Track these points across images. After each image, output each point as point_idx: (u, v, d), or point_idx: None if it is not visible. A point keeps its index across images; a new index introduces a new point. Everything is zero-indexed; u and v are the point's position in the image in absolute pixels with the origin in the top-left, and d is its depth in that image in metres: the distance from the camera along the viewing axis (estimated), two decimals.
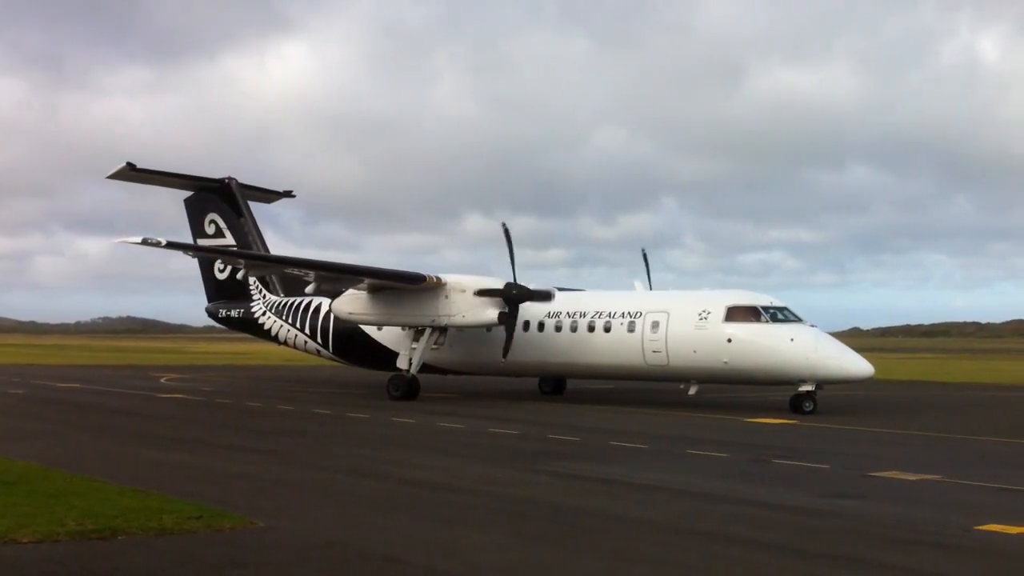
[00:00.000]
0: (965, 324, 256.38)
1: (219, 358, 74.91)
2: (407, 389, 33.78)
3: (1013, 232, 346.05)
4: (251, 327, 42.82)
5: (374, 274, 34.19)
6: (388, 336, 37.49)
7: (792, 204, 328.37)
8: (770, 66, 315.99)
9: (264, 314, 41.73)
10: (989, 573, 10.46)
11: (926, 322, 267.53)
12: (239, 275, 37.80)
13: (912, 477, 17.50)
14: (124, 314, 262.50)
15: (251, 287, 41.77)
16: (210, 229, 42.77)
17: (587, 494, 15.18)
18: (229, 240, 42.36)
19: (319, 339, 39.96)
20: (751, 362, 31.35)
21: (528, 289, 33.64)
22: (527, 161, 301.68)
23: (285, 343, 41.59)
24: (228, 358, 75.00)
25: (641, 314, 33.38)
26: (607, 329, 33.94)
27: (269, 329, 41.66)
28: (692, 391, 33.16)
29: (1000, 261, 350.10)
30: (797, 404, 30.87)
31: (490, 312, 33.08)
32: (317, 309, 39.83)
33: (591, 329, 34.17)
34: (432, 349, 34.84)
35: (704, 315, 32.00)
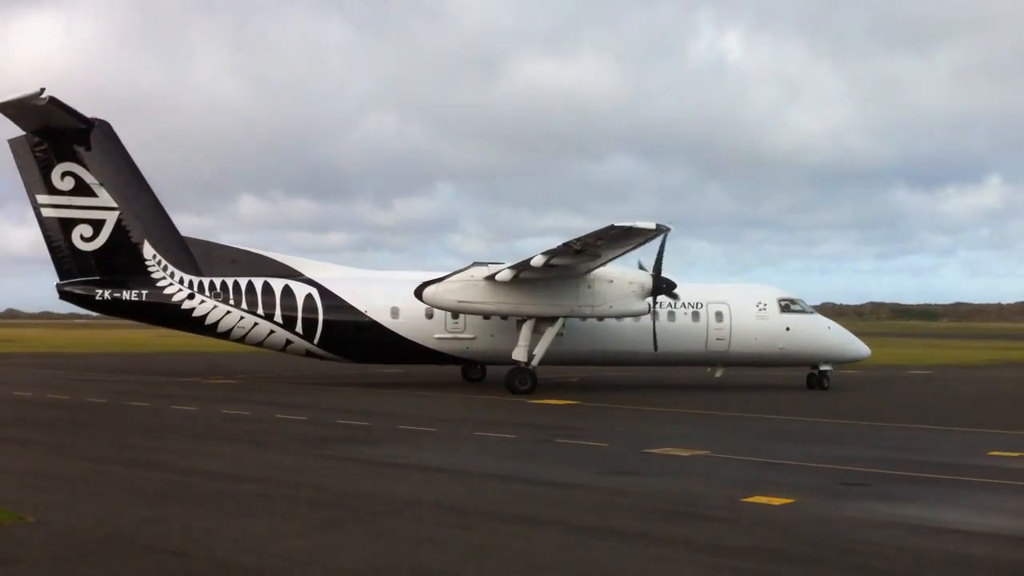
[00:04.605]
0: None
1: None
2: (534, 381, 32.09)
3: (765, 221, 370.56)
4: (162, 313, 34.25)
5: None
6: (408, 326, 34.28)
7: (561, 192, 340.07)
8: (528, 57, 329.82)
9: (191, 297, 33.93)
10: (755, 542, 11.17)
11: None
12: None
13: (685, 453, 18.45)
14: None
15: (150, 262, 33.86)
16: (64, 184, 33.05)
17: (376, 478, 15.22)
18: (104, 200, 33.33)
19: (298, 329, 34.00)
20: (803, 347, 36.15)
21: (674, 282, 33.23)
22: (298, 144, 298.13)
23: (227, 334, 34.38)
24: None
25: (703, 304, 35.61)
26: (671, 318, 35.07)
27: (203, 317, 33.92)
28: (719, 374, 36.57)
29: (756, 248, 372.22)
30: (817, 382, 36.23)
31: (640, 303, 32.53)
32: (288, 292, 34.31)
33: (655, 318, 34.04)
34: (463, 338, 34.22)
35: (762, 307, 35.99)
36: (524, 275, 31.56)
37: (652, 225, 28.56)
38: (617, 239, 29.66)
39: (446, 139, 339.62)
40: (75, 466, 16.13)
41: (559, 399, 30.13)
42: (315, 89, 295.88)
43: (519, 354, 32.48)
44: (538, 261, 30.51)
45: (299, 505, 12.92)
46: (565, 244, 29.76)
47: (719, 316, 35.59)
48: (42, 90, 30.70)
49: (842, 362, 37.63)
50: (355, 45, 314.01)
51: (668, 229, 29.23)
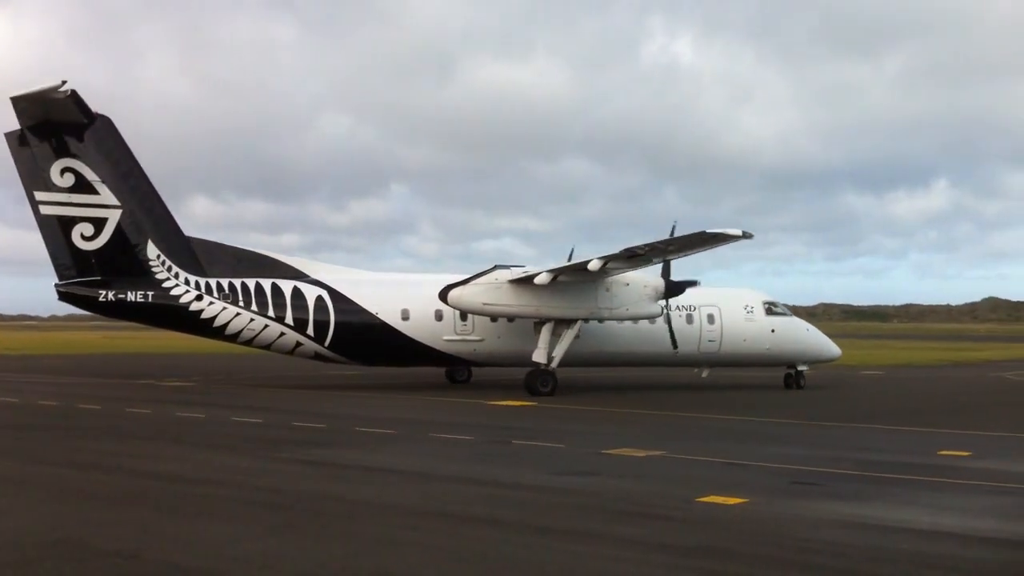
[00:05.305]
0: None
1: None
2: (554, 382, 32.55)
3: (718, 223, 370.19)
4: (169, 315, 33.17)
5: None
6: (418, 328, 34.18)
7: (516, 194, 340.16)
8: (481, 59, 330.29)
9: (200, 299, 32.87)
10: (709, 541, 11.26)
11: None
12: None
13: (641, 454, 18.55)
14: None
15: (154, 262, 32.59)
16: (64, 180, 31.59)
17: (332, 481, 15.14)
18: (106, 197, 32.00)
19: (309, 331, 33.35)
20: (786, 348, 37.68)
21: (683, 285, 34.27)
22: (251, 145, 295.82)
23: (235, 336, 33.45)
24: None
25: (696, 307, 36.63)
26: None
27: (211, 319, 32.89)
28: (704, 374, 37.85)
29: (712, 252, 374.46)
30: (795, 381, 37.59)
31: (655, 306, 33.47)
32: (299, 294, 33.60)
33: (651, 321, 34.97)
34: (471, 340, 34.51)
35: (750, 310, 37.41)
36: (560, 278, 32.03)
37: (739, 232, 29.47)
38: (694, 244, 30.70)
39: (400, 140, 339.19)
40: (25, 470, 15.89)
41: (517, 400, 30.17)
42: (268, 90, 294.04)
43: (539, 356, 32.98)
44: (595, 265, 30.81)
45: (254, 508, 12.82)
46: (627, 249, 30.17)
47: (711, 319, 36.78)
48: (63, 82, 29.83)
49: (818, 362, 39.23)
50: (307, 45, 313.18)
51: (751, 236, 30.00)
